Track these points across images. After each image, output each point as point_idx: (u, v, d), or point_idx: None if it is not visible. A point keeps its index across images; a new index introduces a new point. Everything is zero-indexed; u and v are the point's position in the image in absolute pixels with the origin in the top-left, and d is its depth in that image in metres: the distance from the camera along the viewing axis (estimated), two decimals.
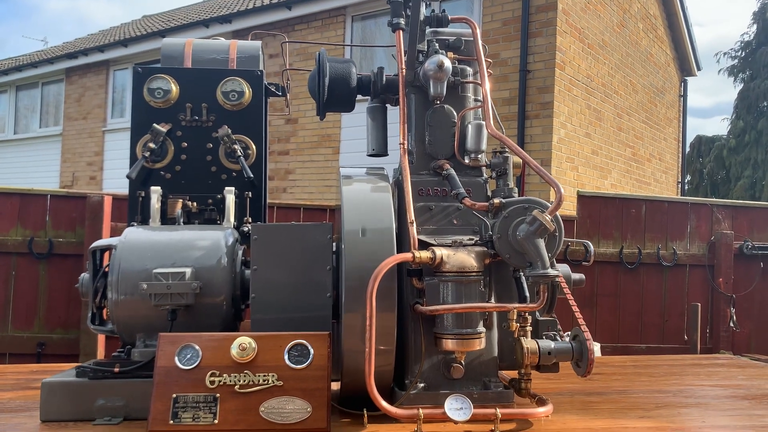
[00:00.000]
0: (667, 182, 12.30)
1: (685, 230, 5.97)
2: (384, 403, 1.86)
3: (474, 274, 1.97)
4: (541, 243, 1.93)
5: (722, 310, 5.89)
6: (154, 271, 2.03)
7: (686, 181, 15.84)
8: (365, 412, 1.95)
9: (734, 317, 5.83)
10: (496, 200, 2.03)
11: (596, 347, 5.27)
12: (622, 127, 10.14)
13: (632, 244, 5.84)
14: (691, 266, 5.91)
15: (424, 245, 2.04)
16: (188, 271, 2.05)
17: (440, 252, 1.96)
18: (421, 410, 1.86)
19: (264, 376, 1.88)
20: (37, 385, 2.57)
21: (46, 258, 4.81)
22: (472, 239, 2.11)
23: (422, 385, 2.03)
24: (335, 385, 2.09)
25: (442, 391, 2.03)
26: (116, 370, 2.02)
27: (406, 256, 1.94)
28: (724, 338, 5.82)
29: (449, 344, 1.96)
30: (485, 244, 2.06)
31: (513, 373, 2.16)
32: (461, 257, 1.97)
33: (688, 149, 16.63)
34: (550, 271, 1.91)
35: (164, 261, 2.10)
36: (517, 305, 1.99)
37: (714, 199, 7.13)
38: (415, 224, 2.03)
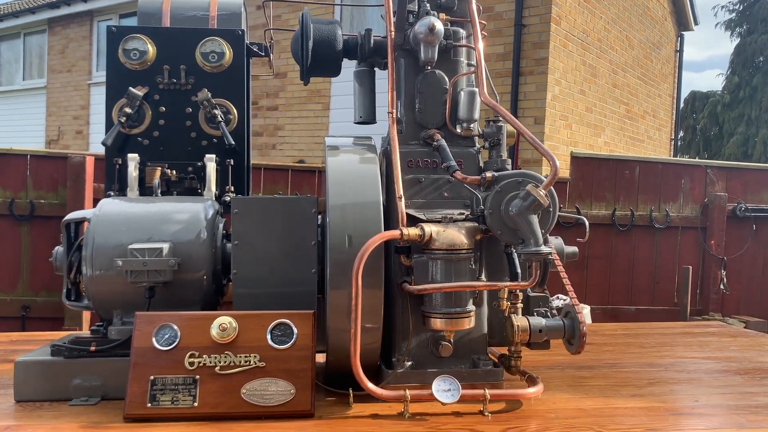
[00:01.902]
0: (660, 139, 12.21)
1: (678, 192, 5.91)
2: (370, 385, 1.81)
3: (464, 251, 1.89)
4: (535, 219, 1.85)
5: (713, 272, 5.89)
6: (130, 247, 1.94)
7: (679, 137, 15.75)
8: (351, 391, 1.90)
9: (725, 279, 5.84)
10: (489, 174, 1.93)
11: (586, 310, 5.27)
12: (617, 84, 9.98)
13: (625, 206, 5.78)
14: (683, 228, 5.88)
15: (413, 220, 1.95)
16: (165, 246, 1.96)
17: (429, 229, 1.87)
18: (408, 391, 1.80)
19: (246, 357, 1.82)
20: (14, 357, 2.51)
21: (27, 220, 4.71)
22: (463, 213, 2.02)
23: (409, 363, 1.98)
24: (320, 357, 2.03)
25: (430, 369, 1.97)
26: (92, 348, 1.95)
27: (394, 233, 1.86)
28: (714, 300, 5.84)
29: (438, 323, 1.90)
30: (476, 219, 1.98)
31: (503, 349, 2.11)
32: (451, 234, 1.88)
33: (681, 105, 16.50)
34: (543, 249, 1.83)
35: (140, 235, 2.01)
36: (508, 283, 1.92)
37: (708, 161, 7.06)
38: (403, 199, 1.93)
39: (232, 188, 2.44)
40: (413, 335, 1.97)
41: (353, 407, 1.88)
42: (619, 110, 10.06)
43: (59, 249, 2.12)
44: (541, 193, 1.82)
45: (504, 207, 1.89)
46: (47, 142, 13.52)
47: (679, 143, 16.07)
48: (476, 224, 1.95)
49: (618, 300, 5.81)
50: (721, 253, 5.88)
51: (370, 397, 1.85)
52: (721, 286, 5.85)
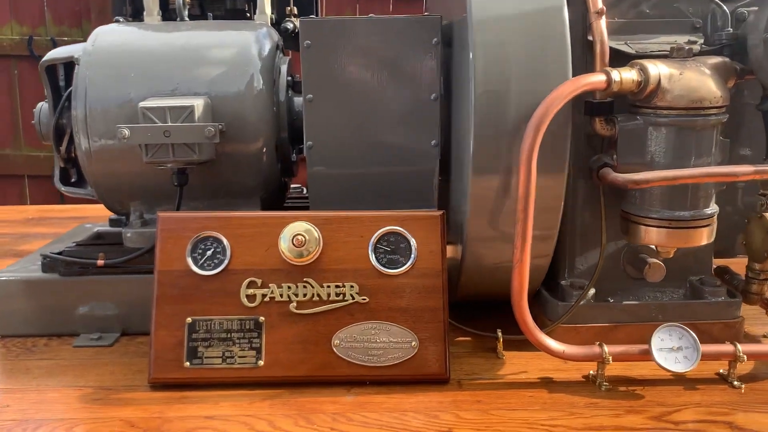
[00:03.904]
0: None
1: None
2: (553, 344, 1.09)
3: (714, 110, 1.07)
4: None
5: None
6: (142, 104, 1.18)
7: None
8: (500, 335, 1.20)
9: None
10: None
11: None
12: None
13: None
14: None
15: (619, 57, 1.12)
16: (199, 103, 1.19)
17: (656, 70, 1.05)
18: (606, 348, 1.08)
19: (337, 287, 1.11)
20: (23, 247, 1.90)
21: None
22: (694, 42, 1.17)
23: (592, 292, 1.24)
24: None
25: (626, 302, 1.23)
26: (100, 263, 1.28)
27: (596, 79, 1.04)
28: None
29: (655, 235, 1.13)
30: (720, 52, 1.14)
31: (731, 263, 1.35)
32: (693, 80, 1.05)
33: None
34: None
35: (158, 86, 1.25)
36: None
37: None
38: (605, 16, 1.09)
39: (295, 9, 1.61)
40: (604, 250, 1.21)
41: (505, 361, 1.19)
42: None
43: (42, 106, 1.39)
44: None
45: None
46: None
47: None
48: (726, 60, 1.11)
49: None
50: None
51: (528, 345, 1.15)
52: None
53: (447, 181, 1.32)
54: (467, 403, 1.04)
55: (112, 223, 1.48)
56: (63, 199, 3.25)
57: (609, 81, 1.04)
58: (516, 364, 1.18)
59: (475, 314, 1.29)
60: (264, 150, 1.29)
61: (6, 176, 4.11)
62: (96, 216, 1.92)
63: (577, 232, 1.24)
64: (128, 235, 1.29)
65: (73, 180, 1.44)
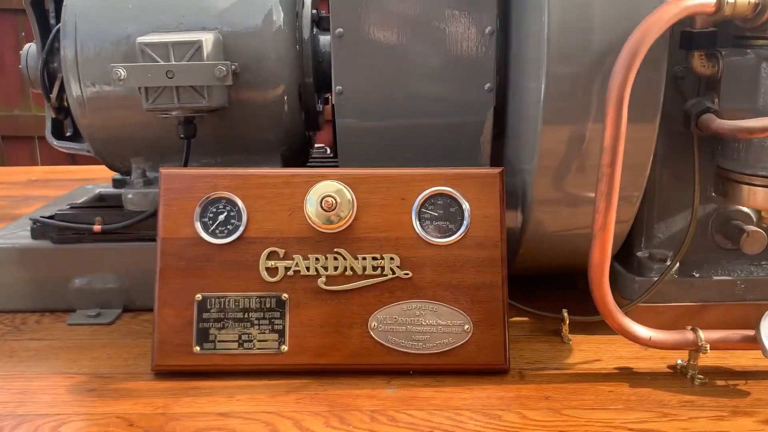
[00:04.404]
0: None
1: None
2: (638, 329, 0.90)
3: None
4: None
5: None
6: (140, 39, 0.99)
7: None
8: (565, 316, 1.02)
9: None
10: None
11: None
12: None
13: None
14: None
15: None
16: (208, 38, 1.00)
17: None
18: (702, 335, 0.89)
19: (374, 259, 0.92)
20: (23, 210, 1.73)
21: None
22: None
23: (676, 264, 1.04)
24: None
25: (718, 277, 1.04)
26: (97, 228, 1.10)
27: (702, 2, 0.83)
28: None
29: (762, 197, 0.92)
30: None
31: None
32: None
33: None
34: None
35: (161, 19, 1.06)
36: None
37: None
38: None
39: None
40: (694, 216, 1.01)
41: (572, 347, 1.01)
42: None
43: (30, 47, 1.20)
44: None
45: None
46: None
47: None
48: None
49: None
50: None
51: (598, 326, 0.97)
52: None
53: (498, 136, 1.12)
54: (533, 399, 0.86)
55: (116, 183, 1.31)
56: (74, 160, 3.09)
57: (720, 3, 0.82)
58: (585, 351, 0.99)
59: (526, 290, 1.10)
60: (285, 97, 1.10)
61: (16, 137, 3.95)
62: (106, 177, 1.75)
63: (656, 193, 1.04)
64: (129, 196, 1.11)
65: (68, 134, 1.27)
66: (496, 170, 0.95)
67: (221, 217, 0.93)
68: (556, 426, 0.80)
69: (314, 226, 0.92)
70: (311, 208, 0.91)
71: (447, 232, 0.93)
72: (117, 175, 1.30)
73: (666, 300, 1.03)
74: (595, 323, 1.03)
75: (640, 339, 0.90)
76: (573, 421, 0.81)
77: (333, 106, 1.07)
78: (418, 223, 0.93)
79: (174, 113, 1.02)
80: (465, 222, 0.93)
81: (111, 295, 1.11)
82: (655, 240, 1.06)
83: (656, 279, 1.01)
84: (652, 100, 0.88)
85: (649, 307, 1.02)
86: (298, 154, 1.20)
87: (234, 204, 0.94)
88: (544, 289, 1.13)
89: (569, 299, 1.07)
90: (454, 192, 0.93)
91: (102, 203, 1.23)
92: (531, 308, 1.06)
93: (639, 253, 1.06)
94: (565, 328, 1.02)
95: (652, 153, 0.92)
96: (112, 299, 1.11)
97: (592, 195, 0.87)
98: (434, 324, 0.91)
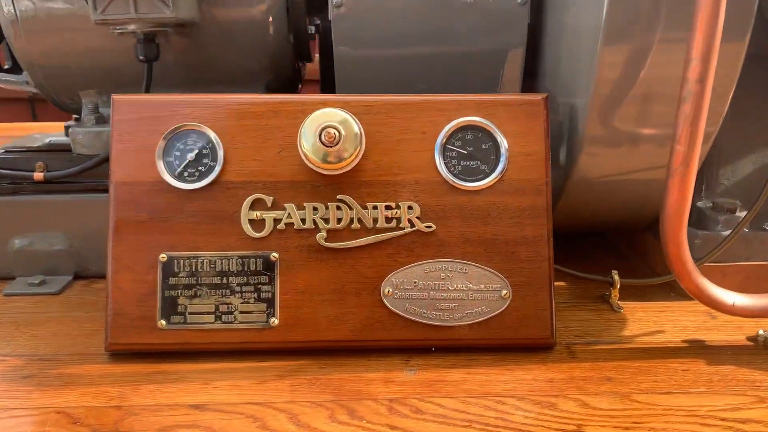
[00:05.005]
0: None
1: None
2: (720, 293, 0.72)
3: None
4: None
5: None
6: None
7: None
8: (615, 278, 0.84)
9: None
10: None
11: None
12: None
13: None
14: None
15: None
16: None
17: None
18: None
19: (388, 208, 0.73)
20: None
21: None
22: None
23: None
24: None
25: None
26: (38, 176, 0.89)
27: None
28: None
29: None
30: None
31: None
32: None
33: None
34: None
35: None
36: None
37: None
38: None
39: None
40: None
41: (625, 315, 0.83)
42: None
43: None
44: None
45: None
46: None
47: None
48: None
49: None
50: None
51: (651, 292, 0.80)
52: None
53: (528, 76, 0.92)
54: (593, 382, 0.68)
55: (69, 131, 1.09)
56: (35, 117, 2.84)
57: None
58: (642, 321, 0.81)
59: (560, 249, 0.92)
60: (270, 16, 0.89)
61: None
62: None
63: (719, 133, 0.86)
64: (78, 137, 0.90)
65: (6, 66, 1.05)
66: (540, 96, 0.75)
67: (191, 156, 0.73)
68: (627, 416, 0.62)
69: (311, 166, 0.72)
70: (307, 143, 0.71)
71: (478, 175, 0.74)
72: (70, 122, 1.09)
73: (734, 259, 0.85)
74: (647, 288, 0.85)
75: (722, 305, 0.72)
76: (647, 409, 0.64)
77: (325, 31, 0.87)
78: (442, 162, 0.74)
79: (131, 28, 0.80)
80: (501, 162, 0.74)
81: (58, 258, 0.91)
82: (719, 187, 0.89)
83: (723, 233, 0.84)
84: (744, 13, 0.69)
85: (714, 268, 0.85)
86: (287, 88, 1.00)
87: (207, 139, 0.73)
88: (575, 248, 0.95)
89: (604, 261, 0.90)
90: (488, 123, 0.74)
91: (48, 148, 1.01)
92: (571, 269, 0.88)
93: (699, 204, 0.88)
94: (615, 294, 0.85)
95: (736, 79, 0.74)
96: (60, 264, 0.91)
97: (655, 131, 0.70)
98: (464, 289, 0.72)
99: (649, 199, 0.87)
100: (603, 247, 1.04)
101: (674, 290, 0.88)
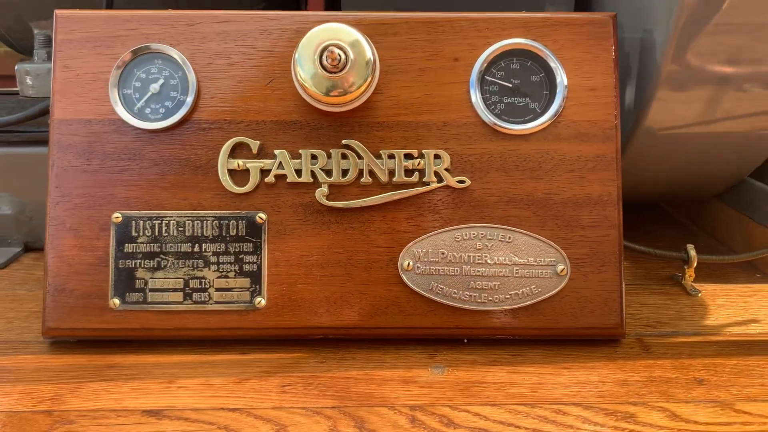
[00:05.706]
0: None
1: None
2: None
3: None
4: None
5: None
6: None
7: None
8: (692, 255, 0.67)
9: None
10: None
11: None
12: None
13: None
14: None
15: None
16: None
17: None
18: None
19: (408, 158, 0.56)
20: None
21: None
22: None
23: None
24: None
25: None
26: None
27: None
28: None
29: None
30: None
31: None
32: None
33: None
34: None
35: None
36: None
37: None
38: None
39: None
40: None
41: (704, 300, 0.66)
42: None
43: None
44: None
45: None
46: None
47: None
48: None
49: None
50: None
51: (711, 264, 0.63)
52: None
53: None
54: (680, 385, 0.51)
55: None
56: None
57: None
58: (727, 307, 0.65)
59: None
60: None
61: None
62: None
63: None
64: (26, 79, 0.73)
65: None
66: (607, 15, 0.58)
67: (154, 87, 0.56)
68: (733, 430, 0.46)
69: (309, 100, 0.55)
70: (304, 69, 0.54)
71: (528, 115, 0.57)
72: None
73: None
74: (725, 267, 0.69)
75: None
76: (760, 423, 0.47)
77: None
78: (480, 99, 0.57)
79: None
80: (557, 98, 0.57)
81: (4, 225, 0.75)
82: None
83: None
84: None
85: None
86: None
87: (176, 65, 0.56)
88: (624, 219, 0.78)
89: (663, 235, 0.73)
90: (541, 48, 0.57)
91: None
92: (638, 245, 0.71)
93: None
94: (689, 274, 0.68)
95: None
96: (6, 233, 0.75)
97: (748, 69, 0.53)
98: (507, 263, 0.56)
99: (729, 159, 0.70)
100: (658, 219, 0.87)
101: (759, 270, 0.72)
